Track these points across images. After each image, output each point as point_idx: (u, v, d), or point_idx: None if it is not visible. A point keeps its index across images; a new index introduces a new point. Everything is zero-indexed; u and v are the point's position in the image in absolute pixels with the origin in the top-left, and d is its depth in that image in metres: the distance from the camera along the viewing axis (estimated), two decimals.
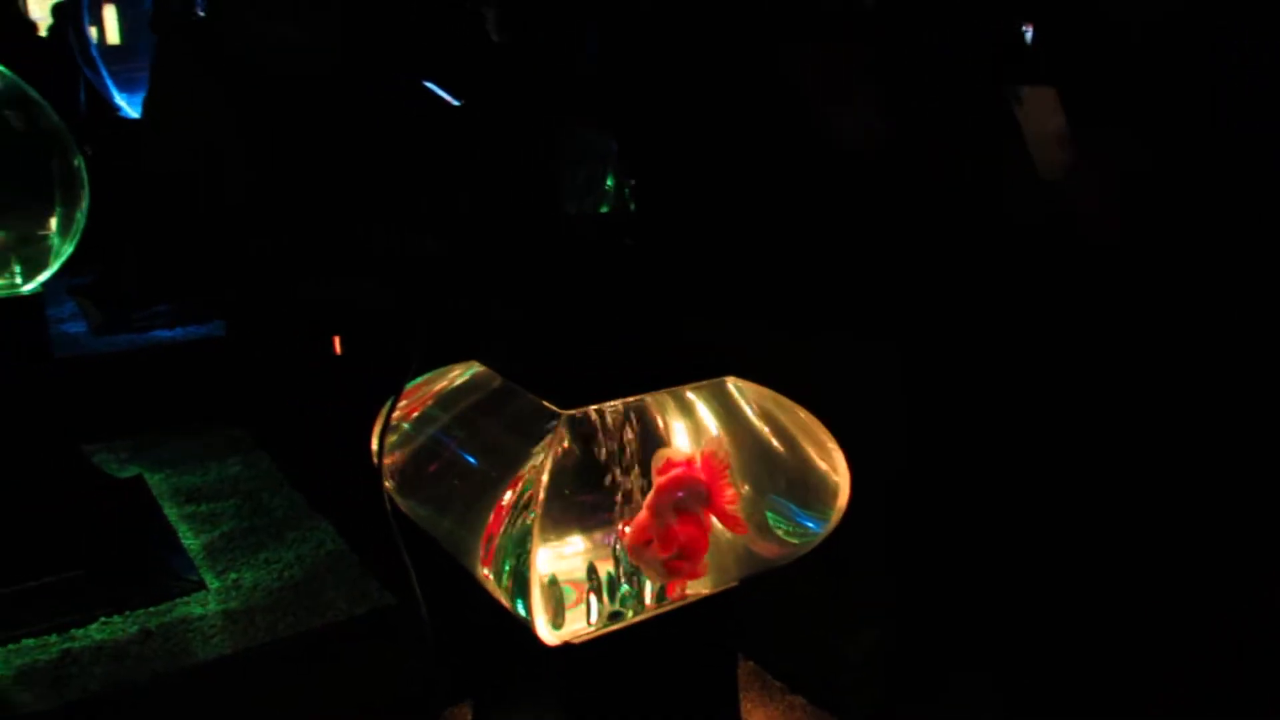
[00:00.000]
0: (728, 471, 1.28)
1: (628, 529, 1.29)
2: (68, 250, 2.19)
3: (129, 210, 2.89)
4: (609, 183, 1.92)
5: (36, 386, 2.18)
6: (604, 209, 1.90)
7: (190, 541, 2.38)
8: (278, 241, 2.41)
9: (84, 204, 2.16)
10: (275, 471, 2.73)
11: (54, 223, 2.18)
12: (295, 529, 2.43)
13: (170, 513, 2.51)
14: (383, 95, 2.31)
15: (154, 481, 2.65)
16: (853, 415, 1.43)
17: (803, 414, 1.39)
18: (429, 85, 2.58)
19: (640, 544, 1.27)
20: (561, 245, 1.53)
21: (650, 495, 1.29)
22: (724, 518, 1.29)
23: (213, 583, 2.20)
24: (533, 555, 1.20)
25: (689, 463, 1.30)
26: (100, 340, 3.14)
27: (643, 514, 1.28)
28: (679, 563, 1.28)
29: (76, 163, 2.19)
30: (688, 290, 1.43)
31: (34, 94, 2.13)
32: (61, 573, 2.18)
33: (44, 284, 2.19)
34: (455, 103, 2.66)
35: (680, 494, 1.28)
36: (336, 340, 2.46)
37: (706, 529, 1.30)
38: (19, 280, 2.19)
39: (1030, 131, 1.44)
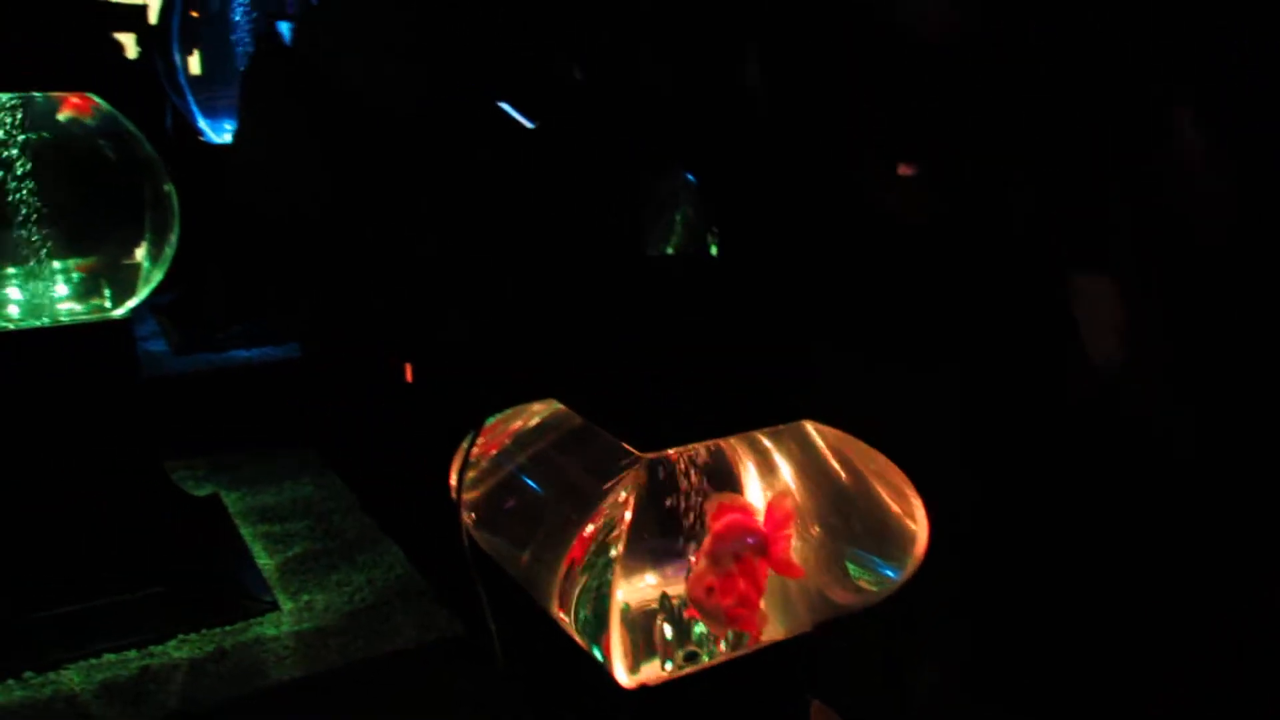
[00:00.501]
0: (790, 521, 1.28)
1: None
2: (157, 276, 2.26)
3: (211, 232, 2.96)
4: (685, 220, 1.94)
5: (122, 406, 2.26)
6: (677, 247, 1.92)
7: (264, 561, 2.43)
8: (356, 266, 2.46)
9: (174, 231, 2.23)
10: (346, 493, 2.78)
11: (143, 249, 2.25)
12: (366, 552, 2.47)
13: (245, 532, 2.57)
14: (462, 118, 2.36)
15: (230, 500, 2.72)
16: (928, 455, 1.43)
17: (881, 459, 1.39)
18: (505, 107, 2.62)
19: (700, 592, 1.26)
20: (640, 283, 1.54)
21: (707, 542, 1.29)
22: (780, 566, 1.29)
23: (286, 603, 2.25)
24: (613, 599, 1.22)
25: (746, 509, 1.30)
26: (180, 359, 3.22)
27: (701, 561, 1.28)
28: (739, 610, 1.27)
29: (167, 189, 2.26)
30: (768, 329, 1.44)
31: (129, 125, 2.21)
32: (141, 589, 2.24)
33: (133, 308, 2.27)
34: (529, 125, 2.70)
35: (738, 541, 1.27)
36: (408, 367, 2.50)
37: (765, 577, 1.30)
38: (108, 304, 2.27)
39: (1087, 322, 1.43)
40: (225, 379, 3.18)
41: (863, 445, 1.40)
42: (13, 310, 2.20)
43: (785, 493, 1.33)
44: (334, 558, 2.45)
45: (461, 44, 2.26)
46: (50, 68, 2.07)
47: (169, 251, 2.24)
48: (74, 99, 2.15)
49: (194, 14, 3.21)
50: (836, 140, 1.71)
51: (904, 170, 1.62)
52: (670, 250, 1.95)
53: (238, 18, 3.22)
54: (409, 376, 2.65)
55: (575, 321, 1.53)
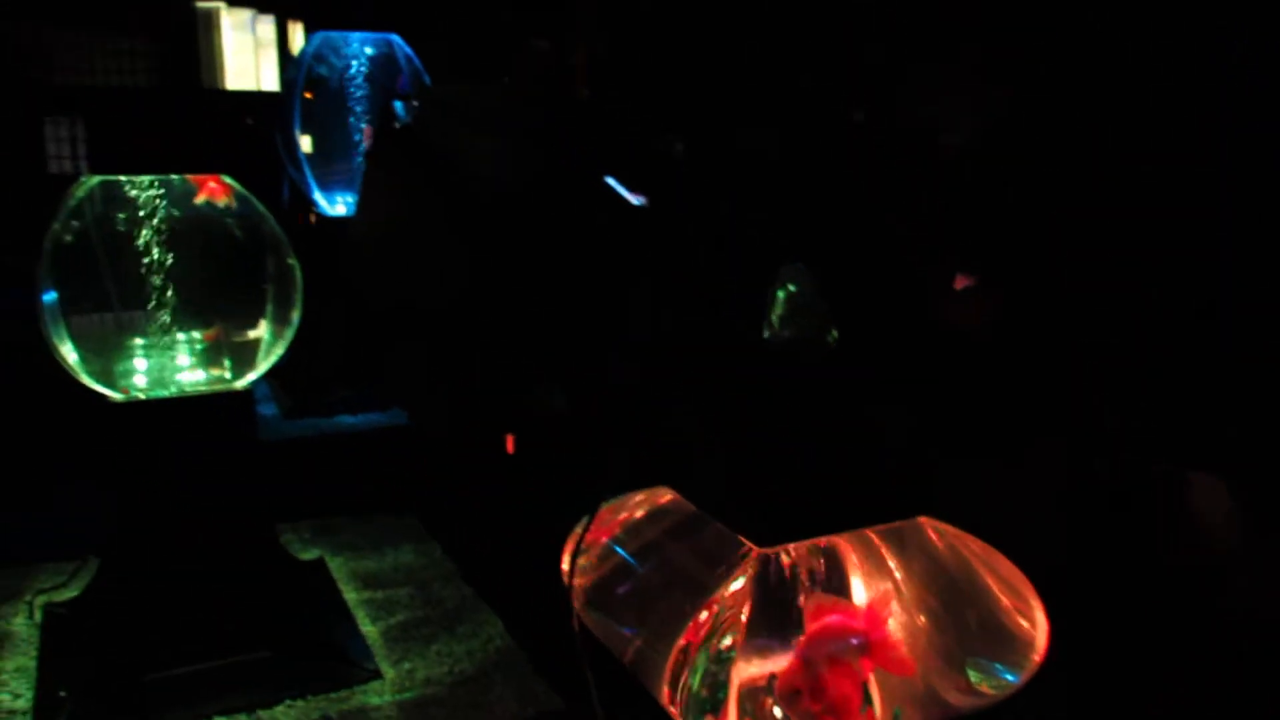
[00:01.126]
0: (892, 618, 1.25)
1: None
2: (279, 349, 2.35)
3: (324, 301, 3.07)
4: (792, 298, 1.95)
5: (239, 472, 2.34)
6: (783, 327, 1.94)
7: (367, 628, 2.47)
8: (466, 336, 2.53)
9: (297, 307, 2.32)
10: (446, 561, 2.83)
11: (266, 323, 2.35)
12: (466, 622, 2.50)
13: (349, 597, 2.62)
14: (573, 195, 2.42)
15: (334, 565, 2.78)
16: (1044, 553, 1.40)
17: (1000, 559, 1.37)
18: (612, 183, 2.69)
19: (788, 692, 1.23)
20: (753, 369, 1.56)
21: (800, 643, 1.25)
22: (887, 663, 1.25)
23: (388, 671, 2.28)
24: (731, 686, 1.22)
25: (846, 609, 1.28)
26: (289, 423, 3.32)
27: (792, 661, 1.24)
28: (828, 717, 1.24)
29: (290, 263, 2.36)
30: (883, 422, 1.44)
31: (257, 204, 2.31)
32: (250, 652, 2.30)
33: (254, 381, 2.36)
34: (637, 202, 2.76)
35: (834, 644, 1.23)
36: (510, 439, 2.55)
37: (861, 682, 1.27)
38: (228, 375, 2.36)
39: (1200, 515, 1.43)
40: (332, 444, 3.27)
41: (981, 544, 1.38)
42: (139, 380, 2.31)
43: (890, 591, 1.31)
44: (434, 627, 2.48)
45: (573, 124, 2.33)
46: (187, 152, 2.19)
47: (291, 326, 2.33)
48: (208, 181, 2.26)
49: (308, 95, 3.36)
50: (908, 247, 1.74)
51: (961, 283, 1.64)
52: (775, 328, 1.97)
53: (353, 99, 3.36)
54: (510, 448, 2.70)
55: (688, 407, 1.55)
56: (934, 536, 1.40)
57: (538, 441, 2.48)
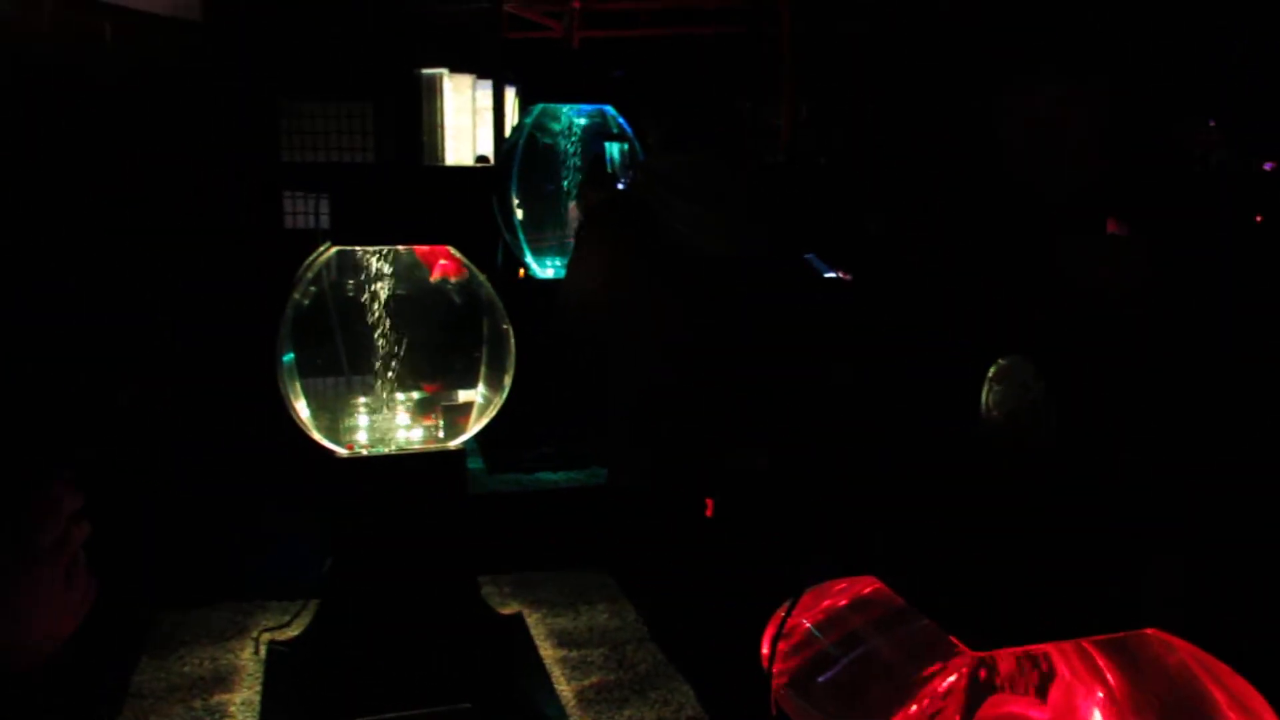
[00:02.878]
0: None
1: None
2: (492, 411, 2.45)
3: (532, 360, 3.17)
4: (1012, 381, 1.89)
5: (449, 527, 2.45)
6: (1003, 413, 1.88)
7: (562, 687, 2.52)
8: (670, 400, 2.57)
9: (509, 371, 2.42)
10: (640, 624, 2.86)
11: (481, 384, 2.46)
12: (657, 688, 2.52)
13: (545, 654, 2.68)
14: (777, 264, 2.44)
15: (532, 621, 2.85)
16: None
17: (1238, 681, 1.28)
18: (812, 259, 2.69)
19: None
20: (969, 457, 1.52)
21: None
22: None
23: None
24: None
25: (1033, 704, 1.23)
26: (492, 477, 3.45)
27: None
28: None
29: (505, 328, 2.47)
30: (1109, 523, 1.38)
31: (477, 272, 2.44)
32: (451, 703, 2.39)
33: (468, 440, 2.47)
34: (842, 277, 2.75)
35: None
36: (710, 503, 2.56)
37: None
38: (442, 435, 2.48)
39: None
40: (532, 499, 3.37)
41: (1214, 660, 1.30)
42: (362, 436, 2.46)
43: (1100, 699, 1.25)
44: (626, 691, 2.51)
45: (795, 204, 2.36)
46: (416, 222, 2.33)
47: (503, 390, 2.43)
48: (439, 258, 2.41)
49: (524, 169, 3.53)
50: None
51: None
52: (989, 408, 1.91)
53: (566, 168, 3.51)
54: (709, 512, 2.71)
55: (900, 493, 1.52)
56: (1161, 650, 1.32)
57: (738, 507, 2.49)
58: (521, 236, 3.51)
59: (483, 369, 2.49)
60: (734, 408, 2.46)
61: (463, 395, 2.52)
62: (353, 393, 2.50)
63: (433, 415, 2.53)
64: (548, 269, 3.59)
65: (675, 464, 2.80)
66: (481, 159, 4.27)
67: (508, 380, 2.44)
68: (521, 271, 3.70)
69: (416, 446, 2.46)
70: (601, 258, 2.70)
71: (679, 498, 2.80)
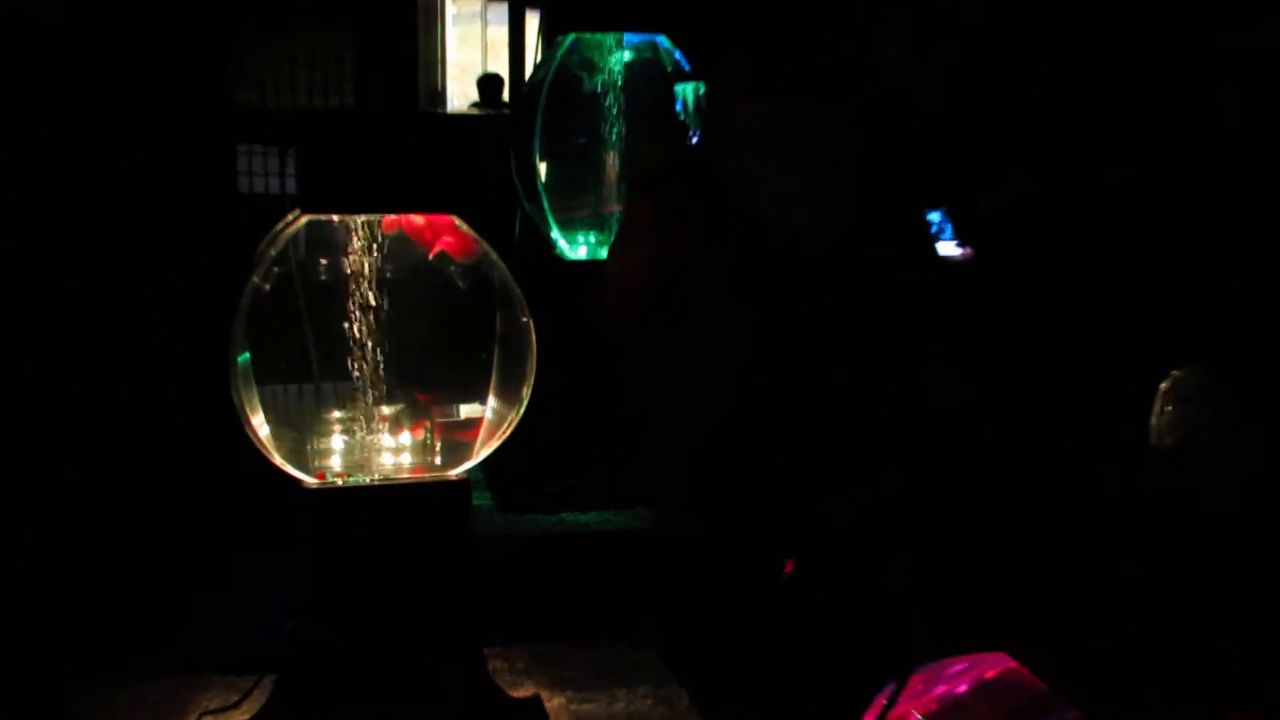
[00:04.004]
0: None
1: None
2: (505, 430, 2.49)
3: (557, 367, 3.18)
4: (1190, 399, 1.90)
5: (447, 578, 2.48)
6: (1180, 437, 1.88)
7: None
8: (740, 426, 2.58)
9: (529, 377, 2.44)
10: (692, 714, 2.86)
11: (492, 395, 2.49)
12: None
13: None
14: (894, 255, 2.45)
15: (552, 707, 2.87)
16: None
17: None
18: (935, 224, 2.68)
19: None
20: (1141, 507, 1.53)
21: None
22: None
23: None
24: None
25: None
26: (503, 517, 3.46)
27: None
28: None
29: (524, 321, 2.49)
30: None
31: (490, 252, 2.46)
32: None
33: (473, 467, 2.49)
34: (957, 251, 2.74)
35: None
36: (790, 563, 2.57)
37: None
38: (439, 460, 2.52)
39: None
40: (555, 547, 3.38)
41: None
42: (336, 462, 2.51)
43: None
44: None
45: (898, 166, 2.36)
46: (410, 187, 2.37)
47: (520, 402, 2.45)
48: (442, 232, 2.44)
49: (555, 113, 3.53)
50: None
51: None
52: (1164, 439, 1.91)
53: (606, 117, 3.51)
54: (788, 570, 2.71)
55: (1045, 550, 1.53)
56: None
57: (826, 565, 2.49)
58: (546, 204, 3.52)
59: (494, 376, 2.51)
60: (825, 439, 2.45)
61: (467, 410, 2.55)
62: (325, 405, 2.53)
63: (428, 435, 2.55)
64: (579, 247, 3.60)
65: (743, 507, 2.80)
66: (489, 81, 4.22)
67: (526, 391, 2.46)
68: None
69: (406, 475, 2.49)
70: (656, 240, 2.68)
71: (747, 551, 2.80)
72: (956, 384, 2.38)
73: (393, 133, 2.38)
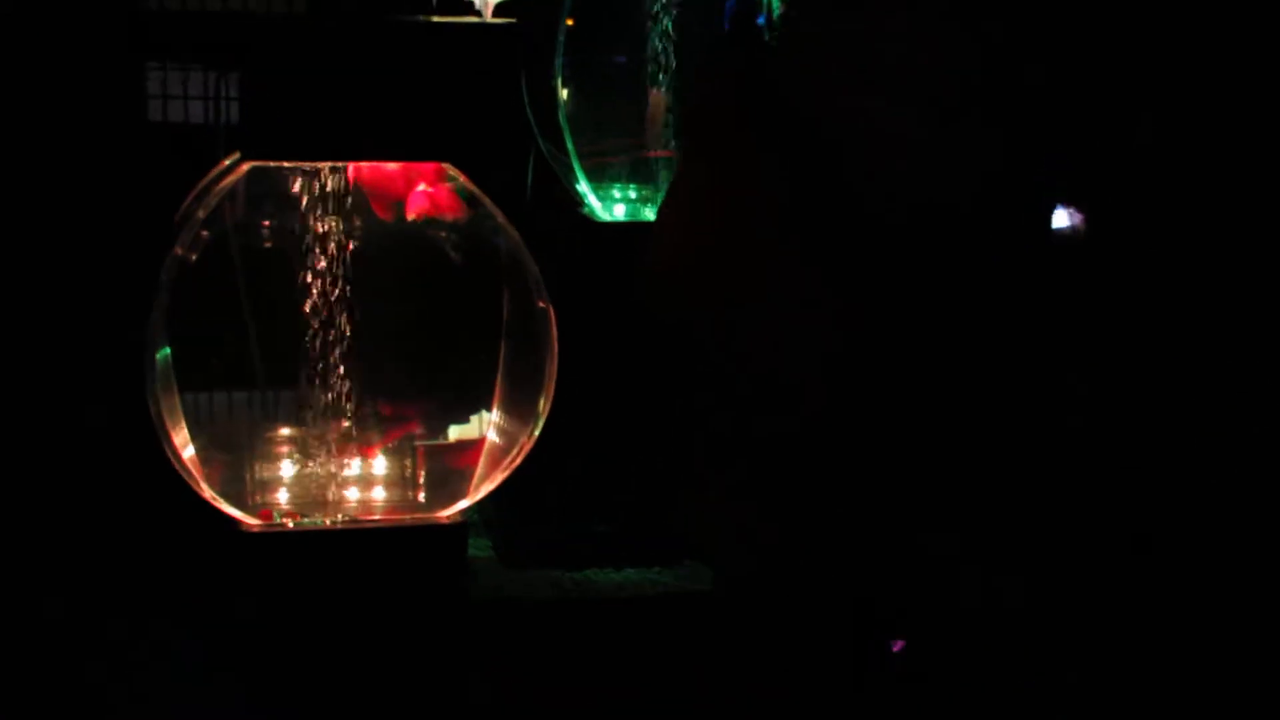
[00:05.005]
0: None
1: None
2: (514, 457, 2.51)
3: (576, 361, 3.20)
4: None
5: (436, 654, 2.54)
6: None
7: None
8: (829, 451, 2.60)
9: (549, 383, 2.48)
10: None
11: (496, 411, 2.51)
12: None
13: None
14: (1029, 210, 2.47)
15: None
16: None
17: None
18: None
19: None
20: None
21: None
22: None
23: None
24: None
25: None
26: (510, 573, 3.48)
27: None
28: None
29: (542, 307, 2.53)
30: None
31: (495, 213, 2.49)
32: None
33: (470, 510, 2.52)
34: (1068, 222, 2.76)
35: None
36: (898, 644, 2.60)
37: None
38: (422, 497, 2.56)
39: None
40: (580, 614, 3.40)
41: None
42: (282, 494, 2.57)
43: None
44: None
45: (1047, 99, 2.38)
46: (389, 123, 2.40)
47: (536, 418, 2.48)
48: (426, 184, 2.47)
49: (570, 22, 3.54)
50: None
51: None
52: None
53: (654, 32, 3.51)
54: (897, 649, 2.74)
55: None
56: None
57: (949, 639, 2.52)
58: (570, 146, 3.52)
59: (500, 381, 2.54)
60: (934, 454, 2.48)
61: (459, 429, 2.58)
62: (270, 419, 2.57)
63: (408, 461, 2.58)
64: (615, 205, 3.61)
65: (832, 564, 2.82)
66: None
67: (544, 404, 2.50)
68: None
69: (379, 517, 2.54)
70: (722, 197, 2.68)
71: (838, 619, 2.82)
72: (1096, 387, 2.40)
73: (360, 46, 2.39)
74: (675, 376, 3.05)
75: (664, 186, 3.55)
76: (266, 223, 2.52)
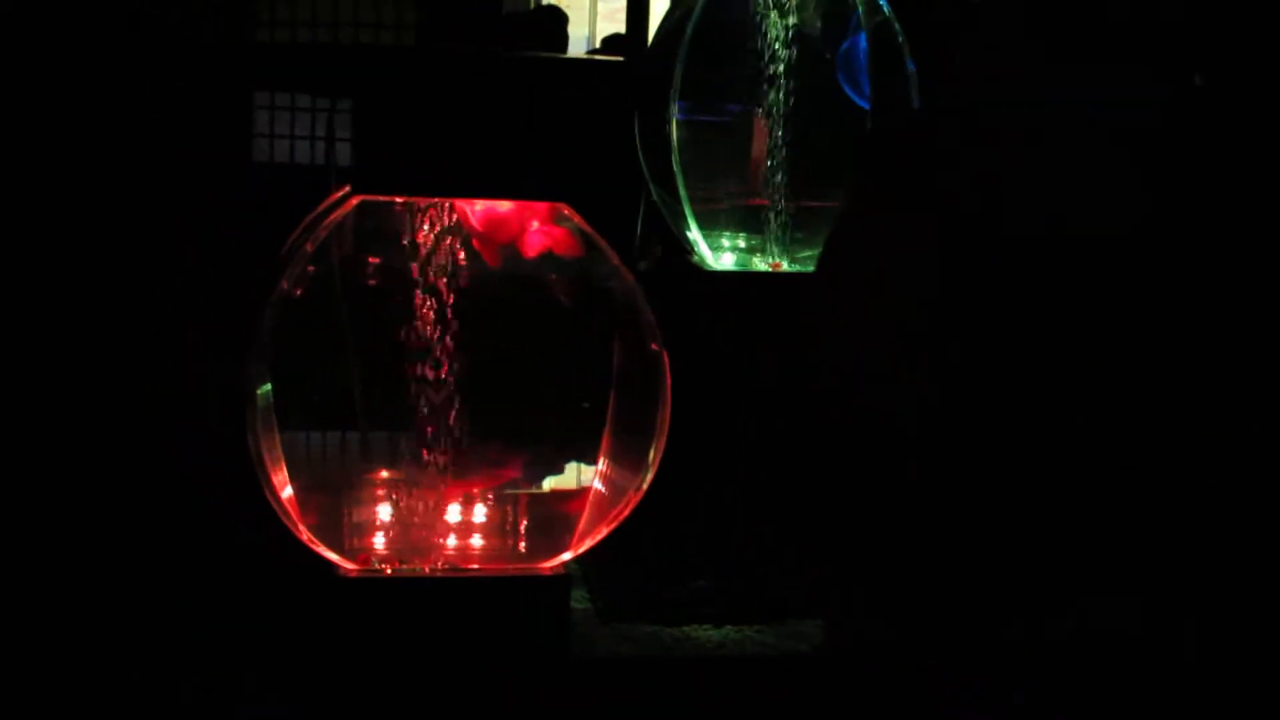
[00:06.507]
0: None
1: None
2: (623, 507, 2.47)
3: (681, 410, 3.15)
4: None
5: (531, 708, 2.48)
6: None
7: None
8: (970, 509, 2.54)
9: (661, 433, 2.44)
10: None
11: (603, 460, 2.46)
12: None
13: None
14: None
15: None
16: None
17: None
18: None
19: None
20: None
21: None
22: None
23: None
24: None
25: None
26: (610, 629, 3.42)
27: None
28: None
29: (655, 351, 2.49)
30: None
31: (609, 255, 2.45)
32: None
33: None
34: None
35: None
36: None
37: None
38: (523, 546, 2.54)
39: None
40: (680, 672, 3.34)
41: None
42: (379, 539, 2.50)
43: None
44: None
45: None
46: (507, 162, 2.37)
47: (646, 468, 2.43)
48: (545, 223, 2.43)
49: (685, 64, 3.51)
50: None
51: None
52: None
53: (772, 70, 3.49)
54: None
55: None
56: None
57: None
58: (683, 192, 3.49)
59: (609, 430, 2.49)
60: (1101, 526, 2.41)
61: (571, 477, 2.53)
62: (372, 462, 2.54)
63: (510, 509, 2.54)
64: (724, 255, 3.58)
65: (968, 631, 2.74)
66: (548, 15, 4.16)
67: (655, 454, 2.44)
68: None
69: (478, 565, 2.50)
70: (879, 256, 2.62)
71: (975, 691, 2.74)
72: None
73: (478, 82, 2.36)
74: (824, 434, 2.99)
75: (775, 236, 3.54)
76: (374, 260, 2.48)
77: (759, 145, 3.56)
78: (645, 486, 2.47)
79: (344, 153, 3.82)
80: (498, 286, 2.51)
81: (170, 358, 2.92)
